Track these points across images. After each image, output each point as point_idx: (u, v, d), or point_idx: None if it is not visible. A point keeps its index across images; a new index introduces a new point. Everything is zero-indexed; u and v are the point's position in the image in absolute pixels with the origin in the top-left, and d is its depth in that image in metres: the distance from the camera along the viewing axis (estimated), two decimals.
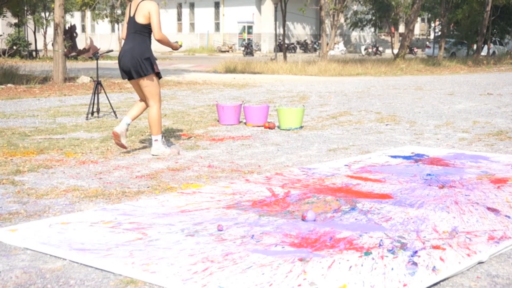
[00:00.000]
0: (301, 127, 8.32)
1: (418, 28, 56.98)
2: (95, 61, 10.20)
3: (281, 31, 30.06)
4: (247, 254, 3.28)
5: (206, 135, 7.69)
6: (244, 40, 49.23)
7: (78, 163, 5.88)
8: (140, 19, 6.07)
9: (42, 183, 5.00)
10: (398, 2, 37.65)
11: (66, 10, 29.03)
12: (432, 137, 7.70)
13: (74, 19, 46.63)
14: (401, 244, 3.45)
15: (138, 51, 6.06)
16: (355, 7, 43.31)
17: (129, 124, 6.20)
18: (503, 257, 3.35)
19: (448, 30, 36.71)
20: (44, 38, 35.86)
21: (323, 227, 3.77)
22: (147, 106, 6.30)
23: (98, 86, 9.30)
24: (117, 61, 6.65)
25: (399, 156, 6.26)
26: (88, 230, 3.71)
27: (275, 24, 30.91)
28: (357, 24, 40.28)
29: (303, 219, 3.93)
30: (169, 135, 7.65)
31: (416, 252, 3.32)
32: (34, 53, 33.54)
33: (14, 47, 32.91)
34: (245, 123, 8.62)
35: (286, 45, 30.78)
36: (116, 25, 46.05)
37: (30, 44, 34.59)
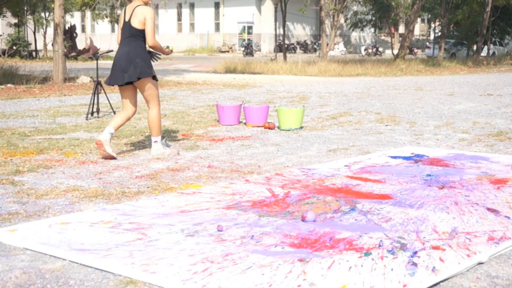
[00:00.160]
0: (301, 127, 8.32)
1: (418, 28, 57.00)
2: (95, 61, 10.21)
3: (281, 32, 30.07)
4: (246, 255, 3.28)
5: (206, 136, 7.69)
6: (244, 40, 49.24)
7: (78, 163, 5.87)
8: (136, 24, 6.02)
9: (42, 183, 5.00)
10: (398, 3, 37.67)
11: (66, 10, 29.01)
12: (432, 137, 7.70)
13: (74, 19, 46.64)
14: (401, 245, 3.45)
15: (134, 54, 6.02)
16: (355, 8, 43.32)
17: (112, 133, 6.03)
18: (503, 257, 3.34)
19: (448, 31, 36.72)
20: (44, 38, 35.86)
21: (323, 228, 3.77)
22: (133, 114, 6.22)
23: (98, 86, 9.30)
24: None
25: (399, 157, 6.26)
26: (88, 230, 3.71)
27: (275, 24, 30.92)
28: (357, 24, 40.30)
29: (303, 219, 3.93)
30: (169, 135, 7.64)
31: (416, 252, 3.32)
32: (34, 53, 33.54)
33: (14, 47, 32.91)
34: (245, 124, 8.62)
35: (286, 46, 30.79)
36: (116, 25, 46.05)
37: (30, 44, 34.59)
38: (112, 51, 12.53)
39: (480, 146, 7.03)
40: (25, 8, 32.75)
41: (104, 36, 54.52)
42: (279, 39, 39.30)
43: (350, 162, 5.95)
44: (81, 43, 42.26)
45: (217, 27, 52.79)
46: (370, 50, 45.89)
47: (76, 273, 3.06)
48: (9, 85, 15.04)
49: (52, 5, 25.93)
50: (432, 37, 50.76)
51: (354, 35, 54.33)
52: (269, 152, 6.58)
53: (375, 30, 44.28)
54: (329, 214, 4.11)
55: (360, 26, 40.56)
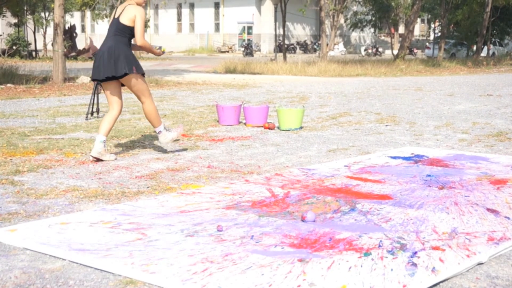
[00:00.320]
0: (301, 127, 8.32)
1: (418, 29, 57.00)
2: None
3: (281, 32, 30.08)
4: (246, 255, 3.28)
5: (206, 136, 7.69)
6: (244, 40, 49.24)
7: (77, 163, 5.87)
8: (124, 20, 5.94)
9: (42, 183, 5.00)
10: (398, 3, 37.67)
11: (66, 10, 29.03)
12: (431, 138, 7.70)
13: (74, 19, 46.64)
14: (401, 245, 3.45)
15: (117, 50, 5.89)
16: (355, 8, 43.32)
17: (104, 141, 5.95)
18: (503, 258, 3.34)
19: (448, 31, 36.74)
20: (43, 38, 35.86)
21: (322, 228, 3.77)
22: (119, 112, 6.11)
23: (97, 86, 9.29)
24: None
25: (398, 157, 6.26)
26: (87, 230, 3.71)
27: (275, 24, 30.94)
28: (357, 24, 40.30)
29: (303, 219, 3.93)
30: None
31: (415, 253, 3.32)
32: (33, 53, 33.54)
33: (14, 47, 32.91)
34: (244, 124, 8.62)
35: (286, 46, 30.80)
36: None
37: (30, 44, 34.59)
38: None
39: (480, 147, 7.03)
40: (25, 8, 32.76)
41: (104, 36, 54.38)
42: (279, 39, 39.30)
43: (350, 162, 5.95)
44: (81, 43, 42.27)
45: (217, 27, 52.79)
46: (370, 51, 45.90)
47: (76, 273, 3.06)
48: (9, 85, 15.04)
49: (52, 5, 25.94)
50: (432, 37, 50.78)
51: (354, 35, 54.34)
52: (269, 152, 6.58)
53: (375, 31, 44.26)
54: (329, 214, 4.11)
55: (360, 27, 40.55)
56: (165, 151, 6.54)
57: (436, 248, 3.40)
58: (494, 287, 2.95)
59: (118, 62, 5.88)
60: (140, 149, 6.68)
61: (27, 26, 35.80)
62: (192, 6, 53.99)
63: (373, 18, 38.99)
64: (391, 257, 3.25)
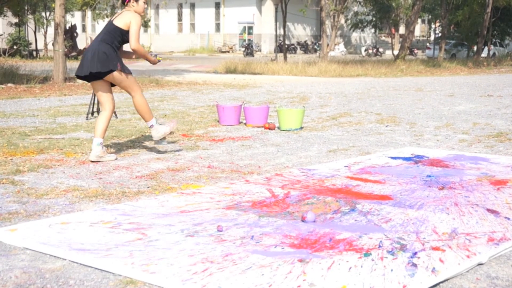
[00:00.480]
0: (301, 128, 8.32)
1: (419, 29, 57.00)
2: None
3: (282, 32, 30.07)
4: (246, 255, 3.28)
5: (206, 136, 7.70)
6: (244, 40, 49.23)
7: (78, 163, 5.88)
8: (118, 23, 5.90)
9: (42, 183, 5.00)
10: (398, 3, 37.68)
11: (67, 10, 29.02)
12: (432, 138, 7.70)
13: (74, 19, 46.65)
14: (401, 245, 3.45)
15: (102, 48, 5.82)
16: (355, 8, 43.33)
17: (101, 143, 5.92)
18: (503, 258, 3.35)
19: (449, 32, 36.75)
20: (44, 38, 35.85)
21: (322, 228, 3.78)
22: (112, 111, 6.06)
23: None
24: None
25: (399, 158, 6.26)
26: (87, 230, 3.72)
27: (276, 24, 30.94)
28: (358, 25, 40.32)
29: (303, 220, 3.93)
30: (169, 135, 7.64)
31: (415, 253, 3.32)
32: (34, 53, 33.53)
33: (15, 47, 32.92)
34: (245, 124, 8.63)
35: (286, 46, 30.79)
36: None
37: (31, 43, 34.58)
38: None
39: (480, 147, 7.03)
40: (26, 8, 32.75)
41: None
42: (280, 40, 39.31)
43: (350, 163, 5.95)
44: (81, 43, 42.27)
45: (218, 27, 52.79)
46: (370, 51, 45.89)
47: (76, 273, 3.06)
48: (9, 84, 15.05)
49: (53, 5, 25.93)
50: (432, 38, 50.78)
51: (355, 35, 54.34)
52: (269, 153, 6.58)
53: (375, 31, 44.33)
54: (329, 214, 4.11)
55: (360, 27, 40.57)
56: (165, 151, 6.54)
57: (436, 248, 3.40)
58: (494, 287, 2.95)
59: (101, 59, 5.81)
60: (141, 149, 6.68)
61: (28, 25, 35.79)
62: (192, 6, 53.99)
63: (374, 19, 39.02)
64: (391, 258, 3.25)
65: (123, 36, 5.94)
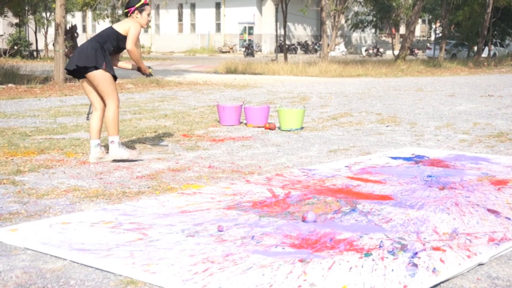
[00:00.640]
0: (302, 128, 8.32)
1: (419, 29, 56.99)
2: None
3: (282, 32, 30.07)
4: (247, 255, 3.28)
5: (207, 136, 7.70)
6: (245, 40, 49.24)
7: (78, 163, 5.88)
8: (117, 27, 5.87)
9: (43, 183, 5.00)
10: (399, 4, 37.66)
11: (67, 10, 29.02)
12: (432, 138, 7.70)
13: (75, 19, 46.68)
14: (402, 246, 3.45)
15: (91, 46, 5.75)
16: (356, 8, 43.32)
17: (99, 144, 5.89)
18: (503, 259, 3.35)
19: (449, 32, 36.73)
20: (45, 38, 35.86)
21: (323, 228, 3.78)
22: (103, 111, 5.95)
23: None
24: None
25: (399, 158, 6.26)
26: (88, 230, 3.72)
27: (276, 25, 30.95)
28: (358, 25, 40.30)
29: (304, 220, 3.93)
30: (170, 135, 7.65)
31: (416, 253, 3.32)
32: (35, 53, 33.54)
33: (15, 47, 32.92)
34: (245, 124, 8.63)
35: (286, 46, 30.80)
36: None
37: (31, 44, 34.58)
38: None
39: (481, 147, 7.03)
40: (26, 8, 32.74)
41: None
42: (280, 40, 39.30)
43: (351, 163, 5.95)
44: (82, 43, 42.23)
45: (218, 27, 52.80)
46: (371, 51, 45.89)
47: (77, 273, 3.06)
48: (10, 85, 15.05)
49: (53, 5, 25.94)
50: (433, 38, 50.77)
51: (355, 35, 54.34)
52: (269, 153, 6.58)
53: (376, 31, 44.26)
54: (330, 214, 4.11)
55: (361, 27, 40.55)
56: (166, 151, 6.54)
57: (436, 248, 3.41)
58: (494, 287, 2.95)
59: (89, 54, 5.71)
60: (141, 149, 6.68)
61: (28, 26, 35.78)
62: (193, 6, 54.01)
63: (374, 19, 38.99)
64: (392, 258, 3.25)
65: (118, 41, 5.86)
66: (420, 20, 51.44)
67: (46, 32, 36.06)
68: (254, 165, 5.91)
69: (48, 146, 6.70)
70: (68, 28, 29.95)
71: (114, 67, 6.07)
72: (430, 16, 46.15)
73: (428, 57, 37.73)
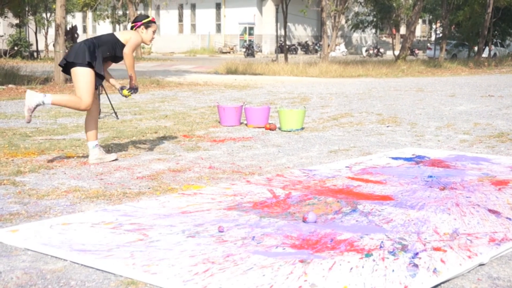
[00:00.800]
0: (302, 128, 8.32)
1: (419, 29, 57.00)
2: None
3: (282, 32, 30.06)
4: (248, 256, 3.28)
5: (207, 136, 7.70)
6: (245, 41, 49.24)
7: (79, 163, 5.88)
8: (118, 35, 5.83)
9: (43, 184, 5.00)
10: (399, 4, 37.66)
11: (68, 11, 29.06)
12: (433, 138, 7.70)
13: (75, 19, 46.70)
14: (402, 246, 3.45)
15: (87, 44, 5.68)
16: (356, 9, 43.31)
17: (97, 144, 5.87)
18: (504, 259, 3.34)
19: (449, 32, 36.71)
20: (45, 39, 35.87)
21: (324, 229, 3.77)
22: (97, 112, 5.95)
23: (99, 86, 9.28)
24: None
25: (400, 158, 6.26)
26: (89, 231, 3.72)
27: (276, 25, 30.94)
28: (358, 25, 40.30)
29: (304, 220, 3.93)
30: (170, 135, 7.65)
31: (417, 253, 3.32)
32: (35, 54, 33.55)
33: (16, 48, 32.93)
34: (246, 125, 8.63)
35: (287, 46, 30.80)
36: (117, 26, 46.08)
37: (31, 44, 34.60)
38: None
39: (481, 147, 7.03)
40: (27, 9, 32.76)
41: None
42: (280, 40, 39.30)
43: (351, 163, 5.95)
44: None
45: (218, 28, 52.81)
46: (371, 51, 45.89)
47: (77, 274, 3.06)
48: (10, 85, 15.06)
49: (54, 6, 25.95)
50: (433, 38, 50.76)
51: (355, 36, 54.33)
52: (270, 153, 6.58)
53: (376, 31, 44.28)
54: (330, 215, 4.11)
55: (361, 27, 40.54)
56: (166, 151, 6.54)
57: (437, 249, 3.40)
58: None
59: (80, 51, 5.64)
60: (141, 150, 6.69)
61: (28, 26, 35.80)
62: (193, 7, 54.02)
63: (375, 19, 38.98)
64: (393, 258, 3.25)
65: (115, 48, 5.77)
66: (420, 21, 51.48)
67: (46, 33, 36.07)
68: (255, 165, 5.91)
69: (48, 147, 6.70)
70: (68, 28, 30.01)
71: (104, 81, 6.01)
72: (431, 16, 46.16)
73: (428, 58, 37.73)
